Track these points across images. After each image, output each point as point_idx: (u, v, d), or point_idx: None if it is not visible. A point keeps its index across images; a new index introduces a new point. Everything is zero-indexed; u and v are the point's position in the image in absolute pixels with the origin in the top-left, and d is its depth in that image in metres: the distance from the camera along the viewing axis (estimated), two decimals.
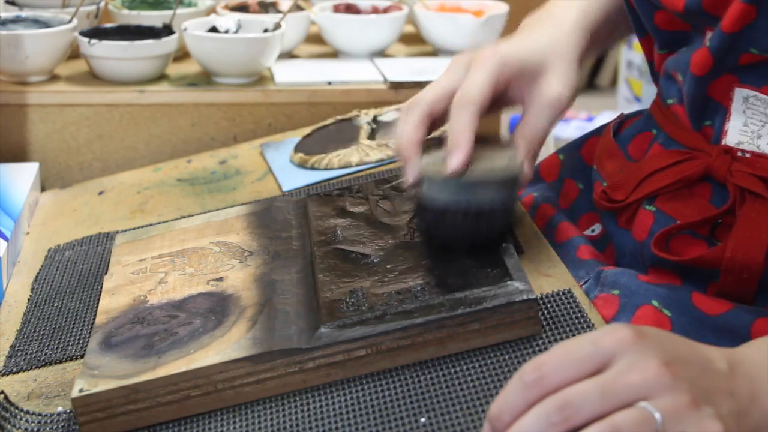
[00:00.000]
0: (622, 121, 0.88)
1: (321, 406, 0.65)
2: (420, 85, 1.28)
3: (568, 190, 0.90)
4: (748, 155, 0.72)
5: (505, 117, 2.85)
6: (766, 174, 0.71)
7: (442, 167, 0.72)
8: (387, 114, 1.11)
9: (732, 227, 0.71)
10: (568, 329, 0.69)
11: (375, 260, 0.75)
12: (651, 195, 0.77)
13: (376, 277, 0.72)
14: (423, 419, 0.62)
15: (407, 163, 0.74)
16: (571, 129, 2.82)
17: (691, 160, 0.75)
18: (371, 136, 1.05)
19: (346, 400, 0.65)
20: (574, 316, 0.70)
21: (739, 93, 0.71)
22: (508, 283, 0.68)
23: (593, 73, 3.48)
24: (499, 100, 0.77)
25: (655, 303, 0.73)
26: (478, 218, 0.72)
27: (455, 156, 0.71)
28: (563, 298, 0.72)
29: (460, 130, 0.72)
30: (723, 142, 0.73)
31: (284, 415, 0.64)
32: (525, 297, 0.67)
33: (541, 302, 0.71)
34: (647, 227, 0.76)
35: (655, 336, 0.53)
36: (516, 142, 0.76)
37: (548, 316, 0.70)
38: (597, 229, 0.84)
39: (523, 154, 0.75)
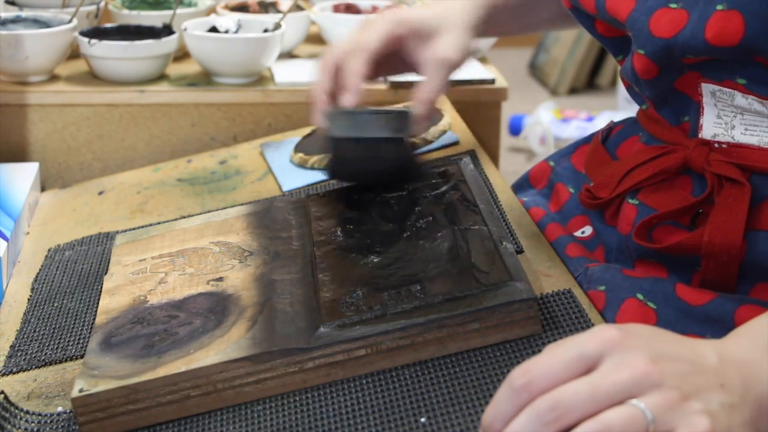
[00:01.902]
0: (611, 128, 0.89)
1: (321, 406, 0.65)
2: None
3: (559, 194, 0.90)
4: (724, 146, 0.73)
5: (506, 117, 2.85)
6: (742, 161, 0.72)
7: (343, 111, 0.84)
8: None
9: None
10: (568, 329, 0.69)
11: (375, 260, 0.75)
12: (633, 189, 0.78)
13: (376, 277, 0.72)
14: (423, 419, 0.62)
15: (318, 106, 0.85)
16: (571, 129, 2.82)
17: (670, 153, 0.76)
18: None
19: (346, 400, 0.65)
20: (574, 316, 0.70)
21: (706, 88, 0.73)
22: (508, 282, 0.68)
23: (593, 73, 3.48)
24: (394, 61, 0.87)
25: (639, 296, 0.73)
26: (374, 146, 0.83)
27: (347, 95, 0.83)
28: (563, 298, 0.72)
29: (351, 73, 0.84)
30: (700, 136, 0.75)
31: (284, 415, 0.64)
32: (525, 297, 0.67)
33: (541, 302, 0.71)
34: (631, 220, 0.77)
35: (642, 334, 0.53)
36: (414, 99, 0.85)
37: (548, 316, 0.70)
38: (587, 231, 0.84)
39: (418, 111, 0.84)
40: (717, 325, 0.70)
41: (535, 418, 0.50)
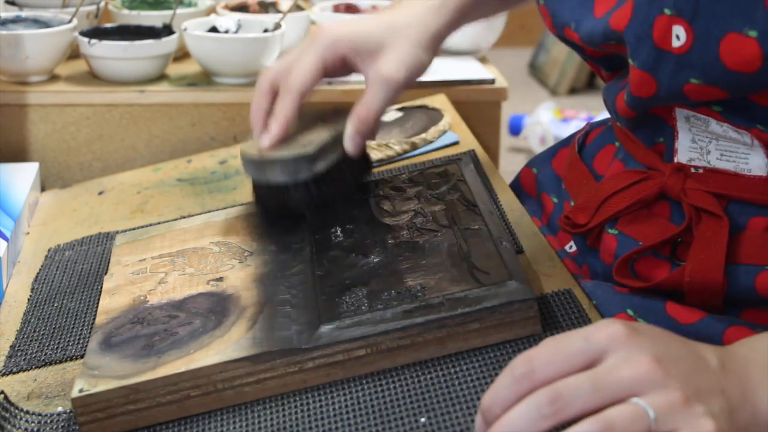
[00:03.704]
0: (588, 131, 0.88)
1: (321, 406, 0.65)
2: (420, 85, 1.29)
3: (546, 205, 0.90)
4: (701, 171, 0.72)
5: (505, 117, 2.85)
6: (719, 190, 0.70)
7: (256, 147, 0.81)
8: (387, 114, 1.11)
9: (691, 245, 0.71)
10: (567, 329, 0.69)
11: (375, 260, 0.75)
12: (611, 218, 0.76)
13: (376, 277, 0.72)
14: (423, 419, 0.62)
15: (258, 130, 0.82)
16: (571, 129, 2.82)
17: (647, 180, 0.74)
18: None
19: (346, 400, 0.65)
20: (574, 316, 0.70)
21: (680, 113, 0.71)
22: (508, 282, 0.68)
23: (593, 74, 3.47)
24: (337, 71, 0.82)
25: (629, 312, 0.73)
26: (270, 191, 0.81)
27: (265, 138, 0.80)
28: (563, 298, 0.72)
29: (278, 115, 0.80)
30: (675, 160, 0.73)
31: (284, 415, 0.64)
32: (524, 297, 0.67)
33: (541, 302, 0.71)
34: (612, 251, 0.76)
35: (648, 332, 0.53)
36: (350, 119, 0.80)
37: (548, 316, 0.70)
38: (573, 246, 0.84)
39: (351, 131, 0.80)
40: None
41: (534, 410, 0.49)
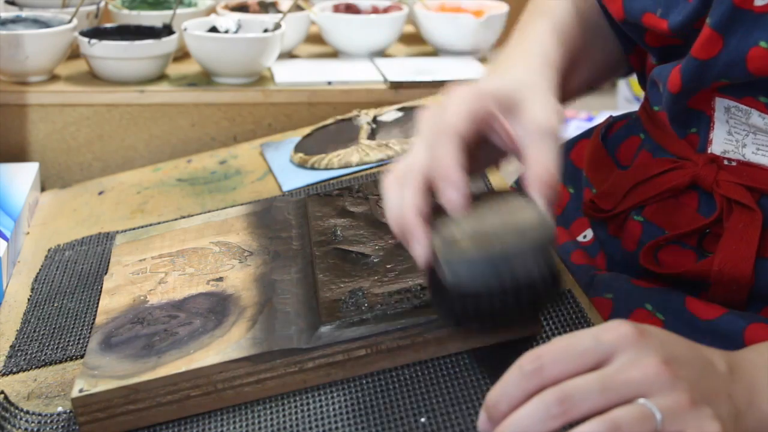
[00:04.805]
0: (611, 124, 0.87)
1: (321, 406, 0.65)
2: (420, 85, 1.29)
3: (560, 195, 0.90)
4: (734, 164, 0.71)
5: None
6: (752, 183, 0.70)
7: (456, 242, 0.59)
8: (387, 114, 1.11)
9: (720, 237, 0.71)
10: (568, 329, 0.69)
11: (375, 260, 0.75)
12: (638, 205, 0.76)
13: (376, 277, 0.72)
14: (423, 419, 0.62)
15: (416, 240, 0.61)
16: (571, 129, 2.82)
17: (678, 170, 0.74)
18: (371, 136, 1.05)
19: (346, 400, 0.65)
20: (574, 316, 0.70)
21: (720, 103, 0.71)
22: None
23: None
24: (483, 147, 0.67)
25: (648, 307, 0.72)
26: (519, 293, 0.58)
27: (448, 192, 0.60)
28: (563, 298, 0.72)
29: (445, 163, 0.61)
30: (709, 151, 0.72)
31: (284, 415, 0.64)
32: None
33: None
34: (636, 238, 0.76)
35: (657, 334, 0.53)
36: (530, 187, 0.62)
37: (548, 316, 0.70)
38: (588, 235, 0.84)
39: (543, 200, 0.62)
40: (725, 341, 0.69)
41: (543, 410, 0.50)
